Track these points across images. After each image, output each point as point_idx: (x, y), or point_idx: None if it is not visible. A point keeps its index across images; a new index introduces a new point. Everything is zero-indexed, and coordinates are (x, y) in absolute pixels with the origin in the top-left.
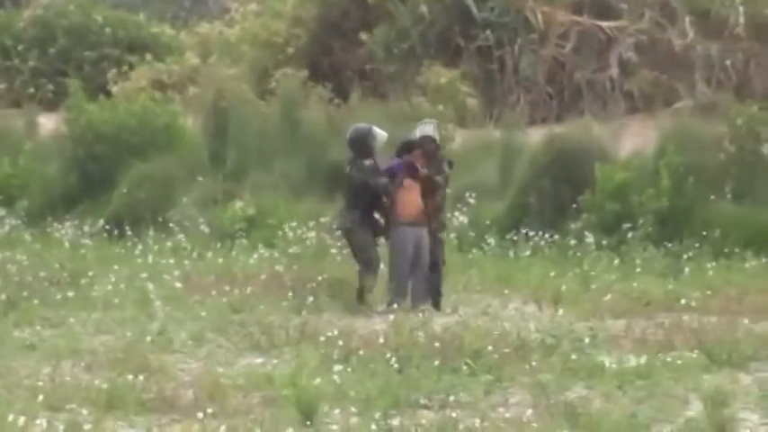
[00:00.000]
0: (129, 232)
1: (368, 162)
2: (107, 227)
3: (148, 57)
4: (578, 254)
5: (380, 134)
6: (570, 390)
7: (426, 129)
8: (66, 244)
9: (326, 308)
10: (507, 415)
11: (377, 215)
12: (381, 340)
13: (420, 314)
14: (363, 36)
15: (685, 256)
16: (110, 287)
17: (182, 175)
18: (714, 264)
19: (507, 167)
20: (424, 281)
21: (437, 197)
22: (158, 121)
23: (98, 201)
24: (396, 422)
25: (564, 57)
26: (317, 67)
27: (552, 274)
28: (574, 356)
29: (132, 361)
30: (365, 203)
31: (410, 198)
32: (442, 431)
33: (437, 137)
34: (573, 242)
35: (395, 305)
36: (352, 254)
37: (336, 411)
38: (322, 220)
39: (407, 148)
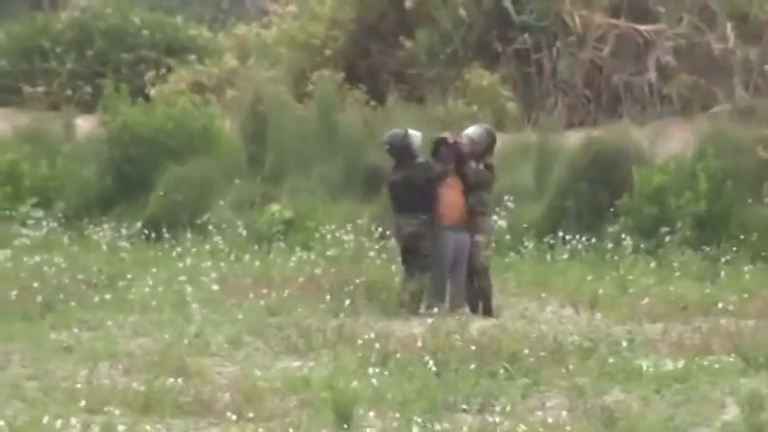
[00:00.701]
0: (166, 235)
1: (420, 160)
2: (144, 229)
3: (191, 57)
4: (615, 257)
5: (416, 135)
6: (607, 393)
7: (475, 131)
8: (104, 246)
9: (364, 311)
10: (545, 418)
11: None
12: (419, 343)
13: (457, 317)
14: (405, 40)
15: (723, 260)
16: (147, 290)
17: (219, 178)
18: (751, 267)
19: (545, 171)
20: (463, 285)
21: (477, 198)
22: (196, 124)
23: (135, 203)
24: (437, 426)
25: (602, 60)
26: (354, 69)
27: (589, 277)
28: (611, 360)
29: (169, 364)
30: (430, 205)
31: (452, 198)
32: None
33: (480, 140)
34: (610, 245)
35: (434, 309)
36: (404, 259)
37: (373, 415)
38: (359, 222)
39: (438, 145)
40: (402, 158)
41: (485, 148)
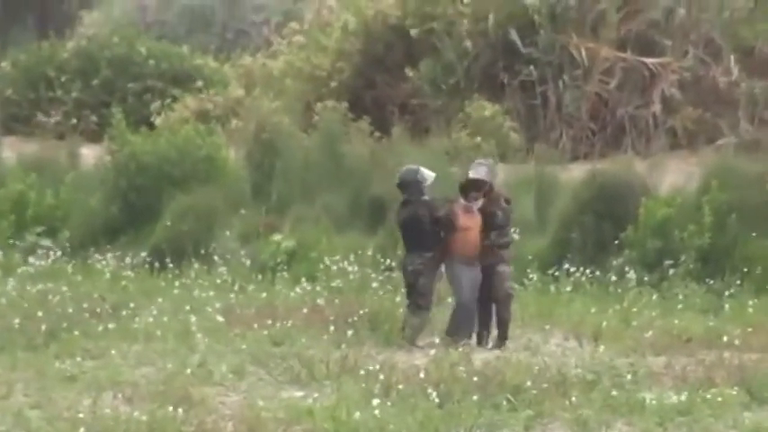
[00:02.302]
0: (170, 264)
1: (427, 199)
2: (149, 258)
3: (198, 84)
4: (619, 290)
5: (429, 174)
6: (610, 426)
7: (478, 171)
8: (108, 275)
9: (367, 342)
10: None
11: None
12: (422, 375)
13: (461, 349)
14: (409, 71)
15: (726, 293)
16: (151, 319)
17: (224, 208)
18: (755, 301)
19: (548, 203)
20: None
21: (498, 234)
22: (201, 153)
23: (140, 232)
24: None
25: (607, 93)
26: (359, 100)
27: (593, 309)
28: (614, 393)
29: (173, 393)
30: (433, 242)
31: (469, 237)
32: None
33: (489, 178)
34: (614, 278)
35: (464, 342)
36: (407, 293)
37: None
38: (364, 253)
39: (467, 187)
40: (411, 195)
41: (493, 184)
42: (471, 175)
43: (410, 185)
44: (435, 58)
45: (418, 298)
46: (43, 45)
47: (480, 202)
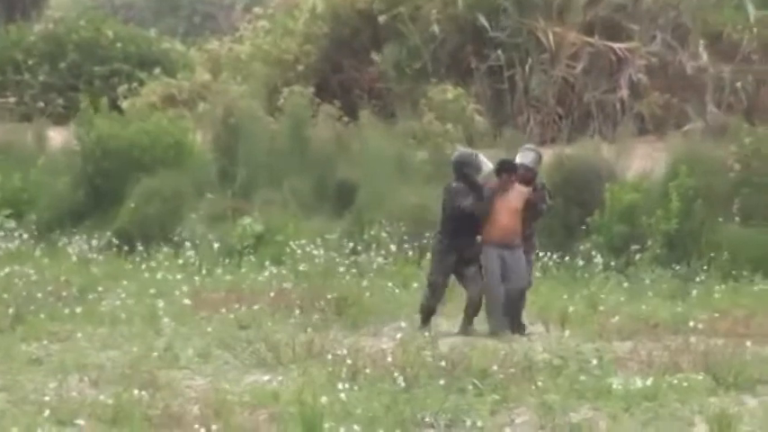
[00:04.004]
0: (138, 248)
1: (455, 185)
2: (116, 242)
3: (157, 71)
4: (586, 275)
5: (485, 165)
6: (576, 411)
7: (526, 157)
8: (75, 258)
9: (334, 326)
10: None
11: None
12: (389, 359)
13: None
14: (374, 55)
15: (693, 279)
16: (118, 302)
17: (191, 191)
18: (722, 286)
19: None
20: (513, 303)
21: (535, 222)
22: (168, 137)
23: (107, 216)
24: None
25: (574, 78)
26: (326, 84)
27: (560, 295)
28: (581, 377)
29: (139, 376)
30: (455, 226)
31: (495, 218)
32: None
33: (535, 166)
34: (581, 263)
35: (499, 330)
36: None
37: (342, 429)
38: (330, 237)
39: (501, 169)
40: (455, 177)
41: (536, 173)
42: (519, 159)
43: (454, 168)
44: (401, 42)
45: (428, 276)
46: (10, 28)
47: (517, 188)
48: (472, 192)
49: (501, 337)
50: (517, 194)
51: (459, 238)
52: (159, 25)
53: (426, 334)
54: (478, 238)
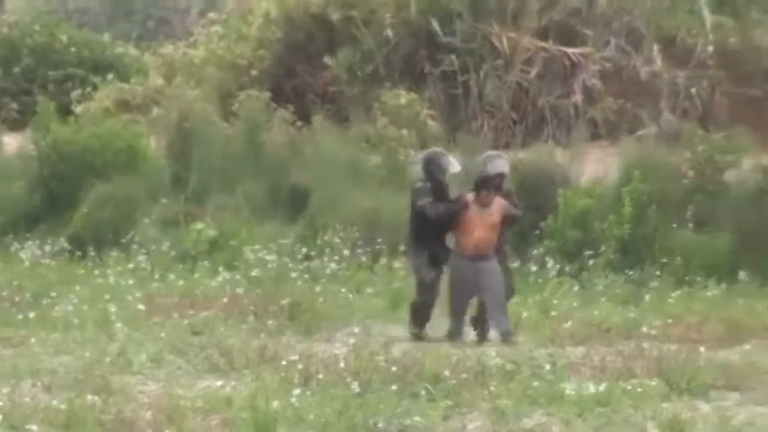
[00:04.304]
0: (91, 253)
1: (419, 185)
2: (69, 247)
3: (110, 76)
4: (540, 280)
5: (452, 165)
6: (529, 416)
7: (498, 165)
8: (27, 263)
9: (287, 331)
10: None
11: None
12: (341, 364)
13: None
14: (328, 59)
15: (646, 284)
16: (71, 308)
17: (144, 196)
18: (675, 292)
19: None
20: (495, 311)
21: (508, 230)
22: (122, 142)
23: (61, 221)
24: None
25: (528, 83)
26: (280, 89)
27: (513, 299)
28: (534, 383)
29: (92, 382)
30: (418, 226)
31: (468, 230)
32: None
33: (506, 171)
34: (534, 268)
35: (454, 338)
36: None
37: None
38: (284, 242)
39: (482, 185)
40: (425, 176)
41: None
42: (490, 169)
43: (424, 166)
44: (355, 46)
45: (415, 277)
46: None
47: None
48: (434, 191)
49: (455, 341)
50: (497, 208)
51: (424, 239)
52: (113, 30)
53: (415, 332)
54: (449, 243)
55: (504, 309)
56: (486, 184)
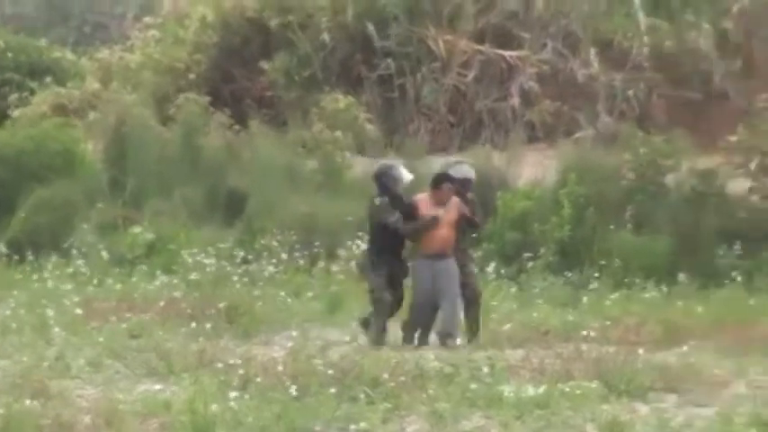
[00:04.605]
0: (29, 257)
1: (379, 200)
2: (6, 251)
3: (47, 81)
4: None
5: (404, 175)
6: (468, 419)
7: (463, 171)
8: None
9: (225, 335)
10: None
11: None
12: (280, 368)
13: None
14: (264, 63)
15: (585, 286)
16: (8, 312)
17: (81, 201)
18: (614, 294)
19: (408, 196)
20: (454, 314)
21: (471, 232)
22: (58, 147)
23: None
24: None
25: (465, 86)
26: (217, 93)
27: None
28: (472, 386)
29: (30, 386)
30: (381, 242)
31: (437, 231)
32: None
33: (472, 177)
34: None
35: (414, 342)
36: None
37: None
38: (221, 246)
39: (440, 181)
40: (377, 190)
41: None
42: (456, 174)
43: (374, 180)
44: (292, 50)
45: (370, 295)
46: None
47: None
48: (392, 204)
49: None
50: (453, 206)
51: (386, 255)
52: (50, 35)
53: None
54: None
55: (456, 312)
56: (443, 183)
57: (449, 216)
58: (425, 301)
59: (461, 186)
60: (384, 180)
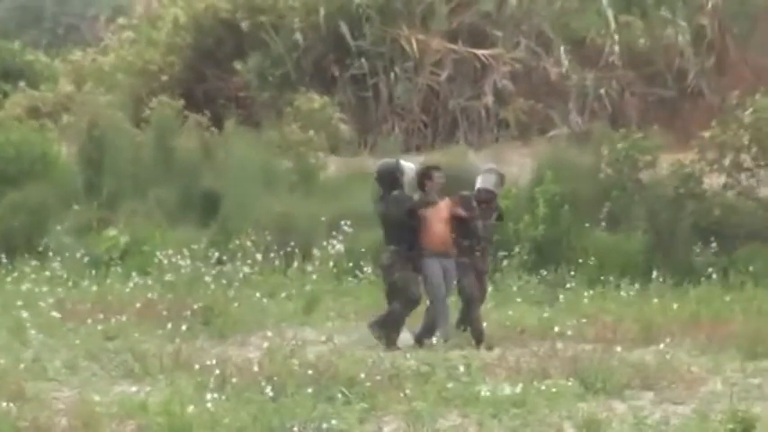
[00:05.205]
0: (4, 260)
1: (396, 192)
2: None
3: (21, 84)
4: (454, 282)
5: (409, 167)
6: (445, 418)
7: (487, 180)
8: None
9: (201, 336)
10: None
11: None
12: (256, 368)
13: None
14: (238, 64)
15: (561, 284)
16: None
17: (56, 203)
18: (589, 292)
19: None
20: (444, 312)
21: (473, 239)
22: (33, 149)
23: None
24: None
25: (439, 85)
26: (191, 94)
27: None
28: (448, 385)
29: (6, 389)
30: (406, 238)
31: (432, 230)
32: None
33: (496, 189)
34: None
35: (442, 337)
36: (385, 293)
37: None
38: (196, 247)
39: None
40: (386, 188)
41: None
42: (479, 183)
43: (384, 179)
44: (265, 51)
45: (401, 293)
46: None
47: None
48: (408, 199)
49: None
50: (444, 204)
51: (409, 249)
52: (23, 37)
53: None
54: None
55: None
56: (427, 176)
57: (440, 214)
58: (442, 295)
59: (486, 195)
60: (397, 175)
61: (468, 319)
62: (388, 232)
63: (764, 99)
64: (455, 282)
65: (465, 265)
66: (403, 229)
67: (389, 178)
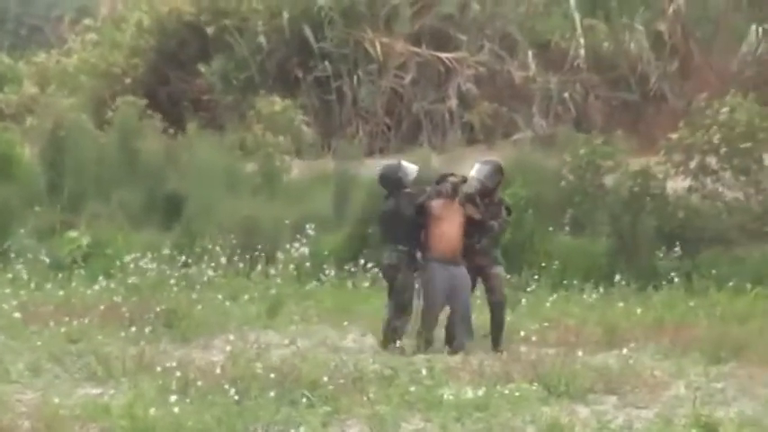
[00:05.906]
0: None
1: (407, 190)
2: None
3: None
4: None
5: (410, 168)
6: (407, 421)
7: (480, 171)
8: None
9: (164, 338)
10: None
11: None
12: (219, 371)
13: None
14: (201, 67)
15: (524, 288)
16: None
17: (19, 205)
18: (553, 296)
19: (345, 198)
20: (462, 321)
21: (487, 240)
22: None
23: None
24: None
25: (403, 88)
26: (154, 96)
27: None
28: (412, 388)
29: None
30: (415, 238)
31: (441, 232)
32: None
33: (487, 181)
34: None
35: (421, 347)
36: (388, 293)
37: None
38: (160, 250)
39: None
40: (393, 190)
41: (495, 185)
42: (473, 173)
43: (388, 181)
44: (228, 54)
45: (396, 296)
46: None
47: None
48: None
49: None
50: (457, 206)
51: (415, 252)
52: None
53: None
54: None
55: (468, 319)
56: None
57: (453, 215)
58: (439, 303)
59: (480, 186)
60: (400, 176)
61: (495, 324)
62: (397, 231)
63: (735, 99)
64: (467, 288)
65: (493, 267)
66: (413, 228)
67: (394, 180)
